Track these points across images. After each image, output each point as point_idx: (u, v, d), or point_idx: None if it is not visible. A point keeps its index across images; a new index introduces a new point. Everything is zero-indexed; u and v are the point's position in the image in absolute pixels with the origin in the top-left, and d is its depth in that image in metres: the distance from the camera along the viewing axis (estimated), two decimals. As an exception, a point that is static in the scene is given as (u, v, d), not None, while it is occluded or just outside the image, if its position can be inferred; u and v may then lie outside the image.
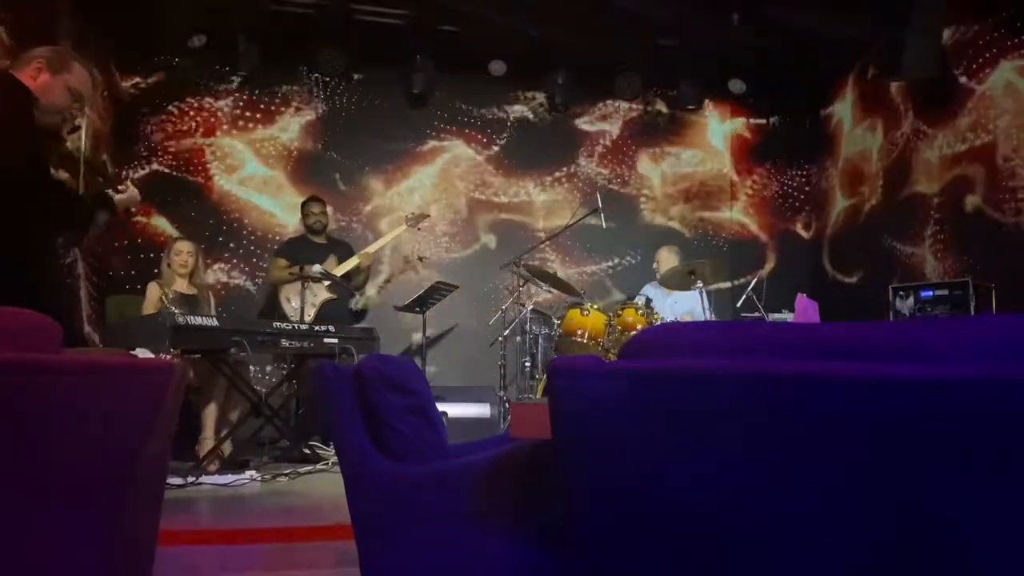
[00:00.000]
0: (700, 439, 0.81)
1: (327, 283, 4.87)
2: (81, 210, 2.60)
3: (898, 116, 5.37)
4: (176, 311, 4.15)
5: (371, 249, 5.26)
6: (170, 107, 5.69)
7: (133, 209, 3.18)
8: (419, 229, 5.59)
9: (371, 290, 5.62)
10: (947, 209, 4.83)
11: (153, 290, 4.39)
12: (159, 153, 5.66)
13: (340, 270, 5.03)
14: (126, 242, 5.51)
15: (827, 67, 6.16)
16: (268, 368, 5.56)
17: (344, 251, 5.20)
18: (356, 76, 5.94)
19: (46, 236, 2.52)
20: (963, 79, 4.69)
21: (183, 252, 4.46)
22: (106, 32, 5.22)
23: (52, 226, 2.49)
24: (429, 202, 6.03)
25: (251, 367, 5.07)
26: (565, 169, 6.32)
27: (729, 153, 6.58)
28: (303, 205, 5.27)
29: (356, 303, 5.42)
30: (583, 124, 6.39)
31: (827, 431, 0.69)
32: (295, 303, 4.75)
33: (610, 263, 6.29)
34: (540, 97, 6.26)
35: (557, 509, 1.03)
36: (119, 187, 2.70)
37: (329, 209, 5.34)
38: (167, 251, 4.55)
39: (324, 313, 4.90)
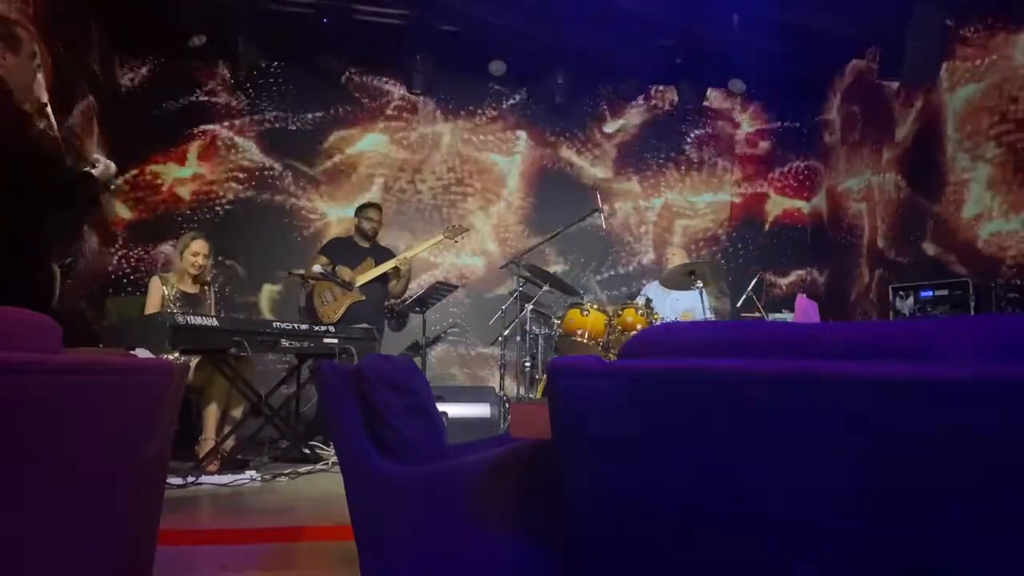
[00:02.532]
0: (700, 438, 0.81)
1: (354, 287, 4.92)
2: (71, 187, 2.58)
3: (897, 116, 5.37)
4: (176, 310, 4.15)
5: (409, 254, 5.26)
6: (169, 104, 5.69)
7: (113, 186, 3.16)
8: (456, 241, 5.58)
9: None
10: (944, 211, 4.83)
11: (156, 285, 4.33)
12: (160, 151, 5.67)
13: (369, 275, 5.04)
14: (127, 237, 5.52)
15: (827, 67, 6.16)
16: (265, 370, 5.55)
17: (384, 257, 5.21)
18: (355, 76, 5.94)
19: (43, 223, 2.51)
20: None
21: (200, 254, 4.35)
22: (106, 31, 5.22)
23: (47, 207, 2.48)
24: (436, 202, 6.04)
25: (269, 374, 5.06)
26: (571, 168, 6.33)
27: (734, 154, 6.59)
28: (361, 208, 5.29)
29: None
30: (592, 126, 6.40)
31: (827, 430, 0.69)
32: (327, 301, 4.83)
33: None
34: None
35: (557, 509, 1.03)
36: (92, 159, 2.68)
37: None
38: (180, 246, 4.41)
39: (352, 315, 4.91)
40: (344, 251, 5.14)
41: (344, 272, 4.98)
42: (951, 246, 4.79)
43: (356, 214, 5.30)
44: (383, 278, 5.13)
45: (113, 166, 2.76)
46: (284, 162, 5.86)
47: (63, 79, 4.42)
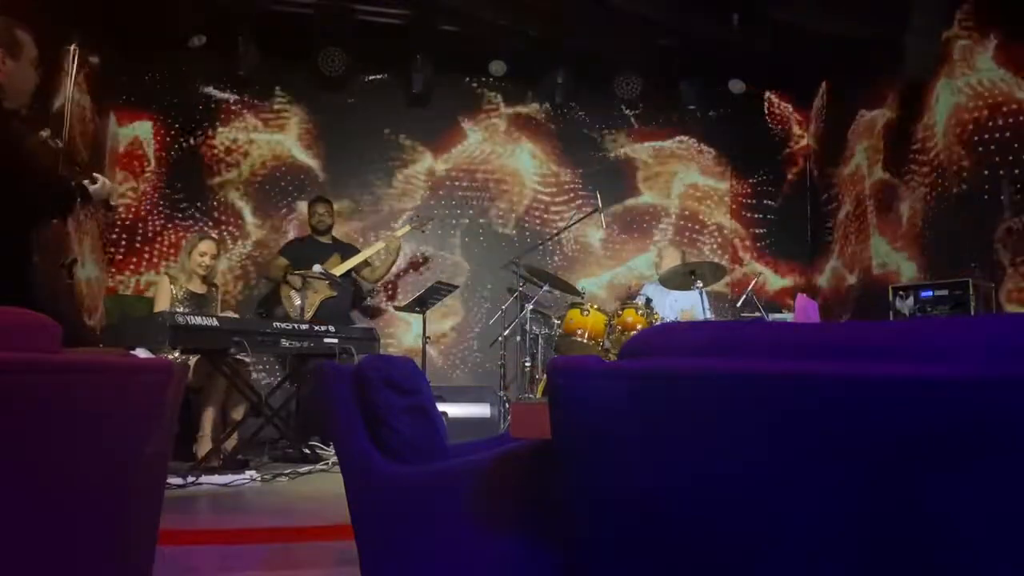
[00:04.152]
0: (700, 439, 0.81)
1: (328, 282, 4.88)
2: (56, 194, 2.56)
3: (896, 115, 5.37)
4: (183, 310, 4.18)
5: (399, 233, 5.27)
6: (169, 106, 5.68)
7: (113, 202, 3.17)
8: (423, 231, 5.63)
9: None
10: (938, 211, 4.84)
11: (165, 284, 4.38)
12: (159, 151, 5.67)
13: (346, 265, 5.06)
14: (124, 239, 5.52)
15: (827, 68, 6.16)
16: (265, 370, 5.55)
17: (349, 252, 5.23)
18: (356, 76, 5.93)
19: (30, 225, 2.49)
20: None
21: (207, 254, 4.41)
22: (105, 31, 5.21)
23: (29, 210, 2.46)
24: (427, 202, 6.04)
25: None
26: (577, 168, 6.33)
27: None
28: (309, 205, 5.34)
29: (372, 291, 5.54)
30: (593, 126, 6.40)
31: (827, 431, 0.69)
32: (296, 300, 4.82)
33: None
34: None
35: (557, 509, 1.03)
36: (93, 175, 2.68)
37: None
38: (187, 247, 4.49)
39: (322, 312, 4.91)
40: (307, 250, 5.13)
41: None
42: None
43: (308, 211, 5.33)
44: (349, 272, 5.16)
45: (109, 185, 2.76)
46: (285, 163, 5.86)
47: (62, 84, 4.41)
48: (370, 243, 5.53)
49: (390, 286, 5.91)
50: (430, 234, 5.85)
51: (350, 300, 5.32)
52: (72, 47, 2.69)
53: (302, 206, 5.81)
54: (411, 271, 5.96)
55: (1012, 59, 4.37)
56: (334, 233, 5.37)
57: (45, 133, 2.59)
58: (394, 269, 5.58)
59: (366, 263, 5.23)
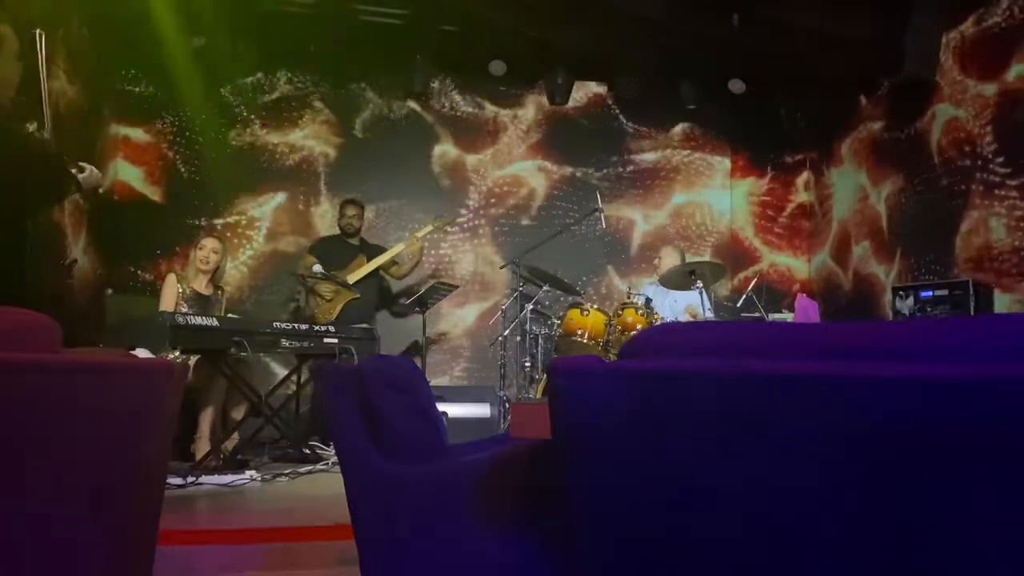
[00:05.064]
0: (700, 439, 0.81)
1: (353, 281, 4.92)
2: (52, 182, 2.56)
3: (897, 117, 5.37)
4: (186, 310, 4.18)
5: (420, 234, 5.27)
6: (168, 107, 5.67)
7: (101, 190, 3.18)
8: (446, 232, 5.63)
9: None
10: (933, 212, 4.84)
11: (172, 282, 4.39)
12: (159, 152, 5.66)
13: (369, 267, 5.06)
14: (128, 242, 5.51)
15: (826, 68, 6.15)
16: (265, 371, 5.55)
17: (376, 253, 5.23)
18: (356, 76, 5.92)
19: (29, 220, 2.49)
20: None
21: (206, 248, 4.44)
22: (104, 32, 5.21)
23: (26, 203, 2.46)
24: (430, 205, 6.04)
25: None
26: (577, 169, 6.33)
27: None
28: (340, 206, 5.33)
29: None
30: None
31: (827, 431, 0.69)
32: (320, 303, 4.87)
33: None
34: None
35: (557, 509, 1.03)
36: (80, 164, 2.69)
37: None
38: (196, 244, 4.58)
39: (346, 314, 4.91)
40: (335, 249, 5.14)
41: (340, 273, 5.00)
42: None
43: (338, 212, 5.33)
44: (377, 272, 5.15)
45: (97, 173, 2.76)
46: (287, 163, 5.85)
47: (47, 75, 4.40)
48: (377, 244, 5.51)
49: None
50: (432, 235, 5.84)
51: (375, 302, 5.29)
52: (37, 31, 2.68)
53: (309, 207, 5.81)
54: (435, 270, 5.95)
55: (1002, 66, 4.38)
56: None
57: (32, 126, 2.61)
58: (417, 270, 5.51)
59: (392, 262, 5.24)
